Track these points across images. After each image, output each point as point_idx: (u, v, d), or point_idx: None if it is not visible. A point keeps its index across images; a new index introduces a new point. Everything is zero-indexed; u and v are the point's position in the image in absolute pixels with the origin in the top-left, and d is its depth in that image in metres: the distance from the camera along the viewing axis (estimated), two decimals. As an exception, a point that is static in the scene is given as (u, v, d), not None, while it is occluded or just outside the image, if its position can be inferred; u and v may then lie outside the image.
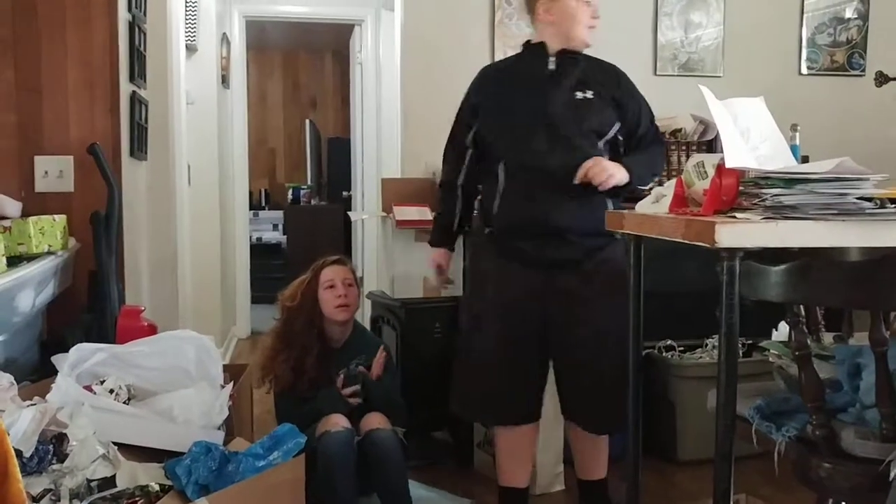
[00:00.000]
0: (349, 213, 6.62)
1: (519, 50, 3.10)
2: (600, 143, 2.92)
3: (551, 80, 2.92)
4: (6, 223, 2.68)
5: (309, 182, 9.80)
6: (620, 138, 2.97)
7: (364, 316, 4.30)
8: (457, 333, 3.82)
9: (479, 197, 3.08)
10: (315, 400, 3.08)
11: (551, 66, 2.93)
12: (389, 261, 4.35)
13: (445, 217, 3.15)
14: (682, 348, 3.93)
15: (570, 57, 2.93)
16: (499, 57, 4.55)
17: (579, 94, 2.90)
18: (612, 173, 2.78)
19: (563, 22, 2.91)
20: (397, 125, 5.02)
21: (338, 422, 2.94)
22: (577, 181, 2.79)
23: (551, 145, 2.84)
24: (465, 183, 3.09)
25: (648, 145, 3.03)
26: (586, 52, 2.98)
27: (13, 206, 2.95)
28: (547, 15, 2.91)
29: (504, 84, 2.99)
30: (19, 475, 1.59)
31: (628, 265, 2.44)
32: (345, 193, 8.54)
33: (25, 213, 2.91)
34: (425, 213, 3.96)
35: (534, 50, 2.97)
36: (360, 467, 2.89)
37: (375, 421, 3.00)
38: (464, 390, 3.06)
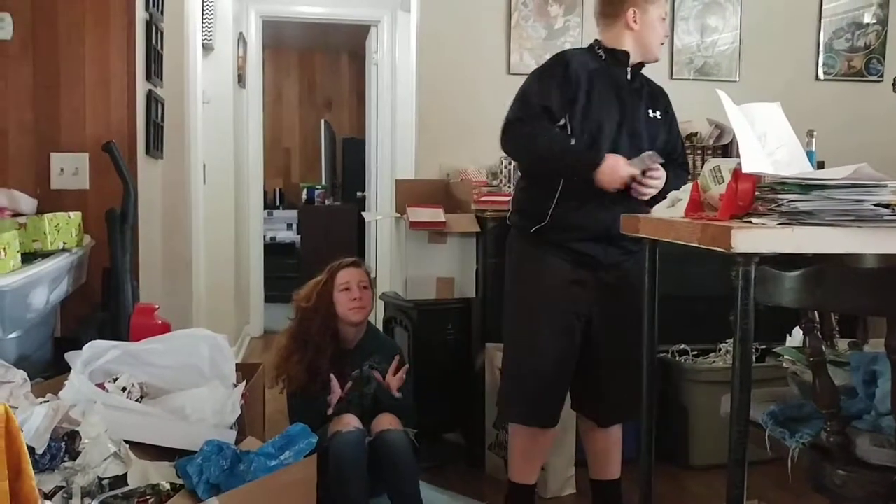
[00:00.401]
0: (363, 213, 6.62)
1: (572, 47, 3.10)
2: None
3: (631, 92, 2.95)
4: (21, 220, 2.70)
5: (323, 182, 9.83)
6: None
7: (377, 317, 4.30)
8: (467, 337, 3.84)
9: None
10: (327, 401, 3.08)
11: (628, 76, 2.96)
12: (403, 262, 4.34)
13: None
14: (695, 353, 3.91)
15: (639, 71, 2.98)
16: (515, 59, 4.55)
17: (651, 113, 2.96)
18: (654, 195, 2.80)
19: (645, 33, 2.93)
20: (412, 126, 5.02)
21: (349, 422, 2.94)
22: (645, 169, 2.80)
23: (631, 157, 2.85)
24: None
25: (678, 168, 3.05)
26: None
27: (28, 203, 2.97)
28: (634, 23, 2.91)
29: (594, 82, 2.90)
30: (32, 472, 1.59)
31: (644, 269, 2.43)
32: (359, 194, 8.54)
33: (41, 210, 2.94)
34: (439, 215, 3.96)
35: (618, 56, 2.95)
36: (371, 468, 2.89)
37: (387, 422, 3.00)
38: (515, 390, 3.01)
